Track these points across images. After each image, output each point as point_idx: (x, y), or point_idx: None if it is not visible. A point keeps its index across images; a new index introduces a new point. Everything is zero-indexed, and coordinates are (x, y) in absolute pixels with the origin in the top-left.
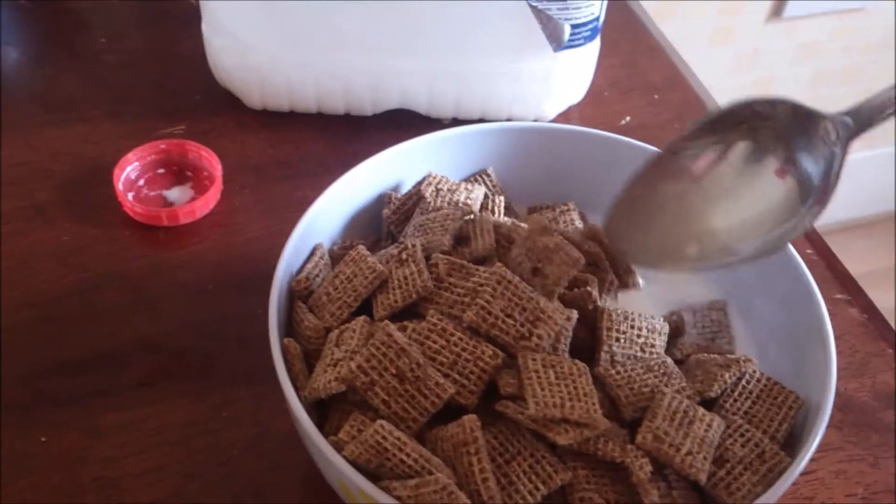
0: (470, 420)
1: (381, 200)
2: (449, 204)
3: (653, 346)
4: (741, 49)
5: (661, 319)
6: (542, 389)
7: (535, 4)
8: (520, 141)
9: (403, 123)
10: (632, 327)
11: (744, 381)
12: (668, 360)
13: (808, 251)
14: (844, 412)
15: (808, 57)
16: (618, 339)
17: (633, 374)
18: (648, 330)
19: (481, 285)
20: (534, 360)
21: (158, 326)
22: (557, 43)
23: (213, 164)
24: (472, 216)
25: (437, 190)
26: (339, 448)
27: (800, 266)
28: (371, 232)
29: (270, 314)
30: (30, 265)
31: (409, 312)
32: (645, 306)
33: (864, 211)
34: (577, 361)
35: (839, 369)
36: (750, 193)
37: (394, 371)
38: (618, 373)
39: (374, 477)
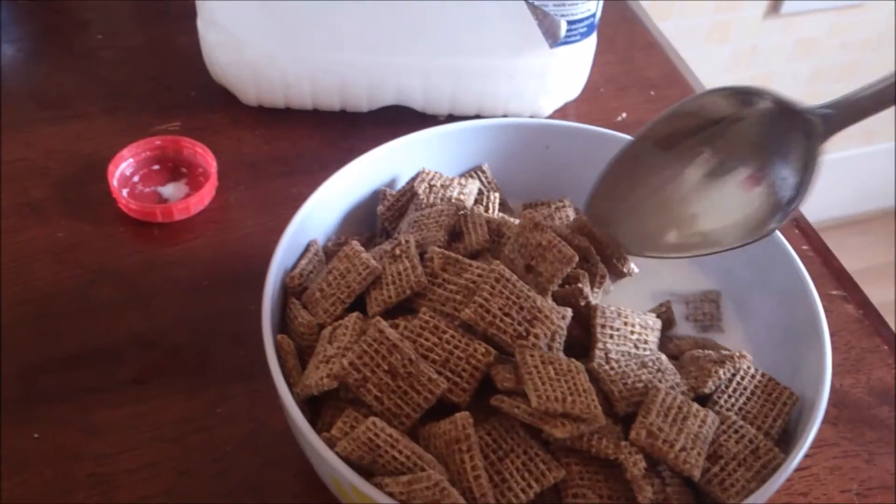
0: (462, 417)
1: (376, 197)
2: (442, 200)
3: (646, 341)
4: (738, 45)
5: (654, 315)
6: (543, 384)
7: (531, 1)
8: (516, 137)
9: (399, 120)
10: (625, 324)
11: (738, 377)
12: (663, 356)
13: (804, 247)
14: (839, 408)
15: (805, 53)
16: (611, 336)
17: (627, 370)
18: (641, 326)
19: (474, 282)
20: (532, 356)
21: (153, 323)
22: (554, 39)
23: (208, 160)
24: (464, 211)
25: (430, 186)
26: (331, 444)
27: (795, 262)
28: (366, 228)
29: (264, 311)
30: (25, 262)
31: (403, 308)
32: (638, 298)
33: (861, 207)
34: (572, 360)
35: (834, 365)
36: (722, 193)
37: (386, 367)
38: (612, 368)
39: (366, 473)
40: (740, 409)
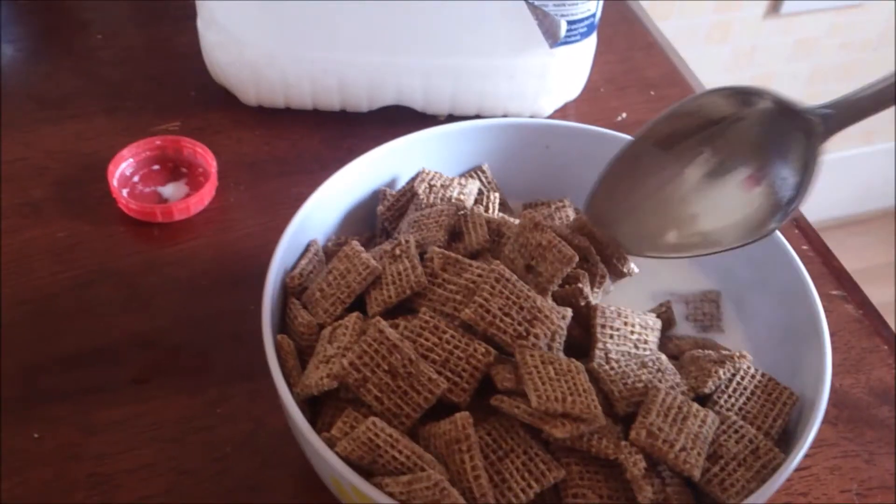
0: (462, 417)
1: (376, 197)
2: (442, 200)
3: (646, 341)
4: (738, 45)
5: (654, 315)
6: (544, 384)
7: (531, 1)
8: (516, 137)
9: (399, 120)
10: (625, 324)
11: (738, 377)
12: (662, 356)
13: (804, 247)
14: (839, 408)
15: (805, 53)
16: (611, 336)
17: (627, 370)
18: (641, 326)
19: (474, 282)
20: (532, 356)
21: (153, 323)
22: (554, 39)
23: (208, 160)
24: (464, 211)
25: (431, 186)
26: (331, 444)
27: (795, 262)
28: (366, 228)
29: (264, 311)
30: (24, 262)
31: (403, 308)
32: (638, 298)
33: (861, 207)
34: (573, 360)
35: (834, 365)
36: (722, 193)
37: (386, 367)
38: (612, 368)
39: (366, 473)
40: (740, 409)
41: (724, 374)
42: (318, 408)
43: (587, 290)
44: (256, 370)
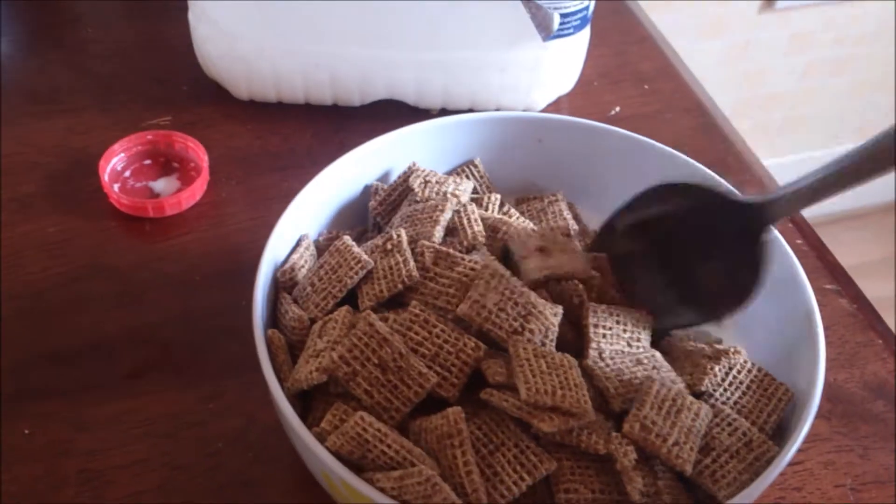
0: (455, 412)
1: (368, 191)
2: (437, 194)
3: (639, 339)
4: (733, 39)
5: (645, 312)
6: (534, 377)
7: None
8: (508, 131)
9: (391, 114)
10: (617, 322)
11: (734, 371)
12: (657, 353)
13: (799, 241)
14: (833, 403)
15: (800, 47)
16: (604, 336)
17: (622, 367)
18: (633, 324)
19: (467, 275)
20: (525, 349)
21: (144, 318)
22: (546, 32)
23: (200, 155)
24: (459, 207)
25: (426, 182)
26: (321, 439)
27: (790, 256)
28: (357, 223)
29: (255, 305)
30: (16, 257)
31: (395, 303)
32: None
33: (856, 202)
34: (566, 355)
35: (828, 360)
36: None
37: (376, 361)
38: (606, 365)
39: (357, 468)
40: (735, 403)
41: (720, 370)
42: (309, 403)
43: (581, 286)
44: (249, 365)
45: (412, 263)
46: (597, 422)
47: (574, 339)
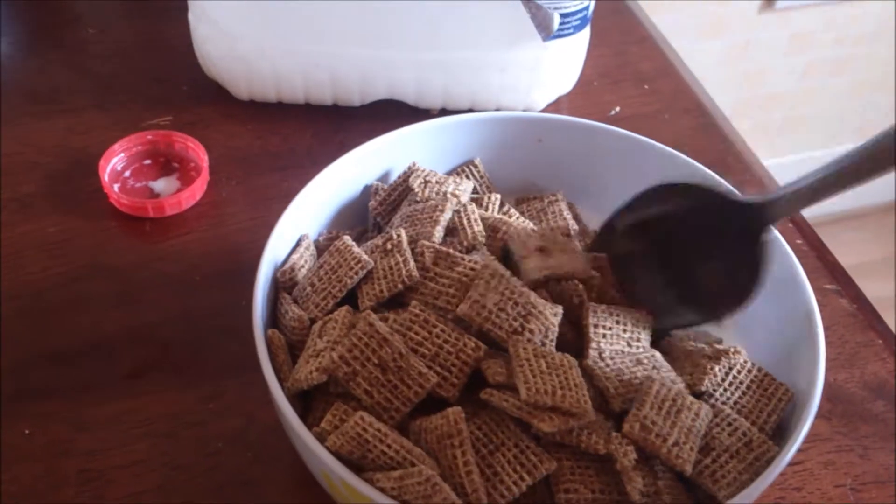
0: (455, 412)
1: (368, 191)
2: (437, 194)
3: (639, 339)
4: (733, 39)
5: (645, 312)
6: (534, 377)
7: None
8: (508, 131)
9: (391, 114)
10: (617, 323)
11: (735, 371)
12: (657, 353)
13: (798, 241)
14: (833, 403)
15: (800, 47)
16: (604, 336)
17: (622, 367)
18: (633, 324)
19: (467, 275)
20: (525, 348)
21: (144, 318)
22: (547, 32)
23: (200, 155)
24: (459, 207)
25: (426, 182)
26: (321, 439)
27: (789, 256)
28: (357, 223)
29: (255, 305)
30: (16, 257)
31: (395, 303)
32: None
33: (856, 202)
34: (566, 355)
35: (828, 360)
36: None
37: (376, 361)
38: (606, 365)
39: (357, 468)
40: (735, 402)
41: (720, 371)
42: (309, 403)
43: (582, 286)
44: (248, 365)
45: (412, 263)
46: (597, 422)
47: (574, 339)
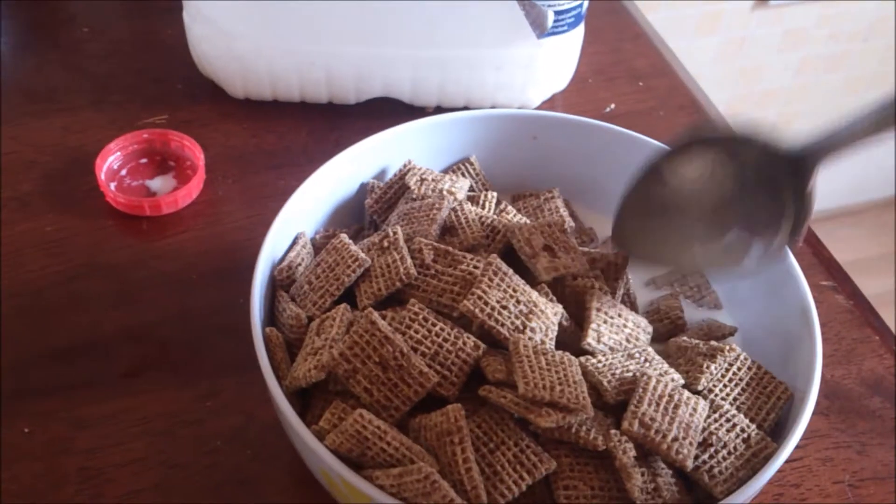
0: (455, 409)
1: (364, 189)
2: (433, 192)
3: (637, 339)
4: (727, 36)
5: (646, 321)
6: (533, 372)
7: None
8: (504, 128)
9: (387, 112)
10: (619, 315)
11: (734, 368)
12: (650, 348)
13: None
14: (831, 399)
15: (794, 44)
16: (605, 322)
17: (615, 362)
18: (634, 324)
19: (471, 273)
20: (525, 345)
21: (142, 317)
22: (541, 29)
23: (196, 153)
24: (456, 205)
25: (422, 180)
26: (320, 437)
27: (786, 252)
28: (354, 221)
29: (252, 303)
30: (13, 256)
31: (394, 300)
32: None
33: (852, 199)
34: (566, 353)
35: (825, 356)
36: (720, 226)
37: (377, 359)
38: (599, 361)
39: (356, 466)
40: (734, 399)
41: (716, 369)
42: (307, 401)
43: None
44: (246, 363)
45: (409, 261)
46: (595, 418)
47: (575, 340)
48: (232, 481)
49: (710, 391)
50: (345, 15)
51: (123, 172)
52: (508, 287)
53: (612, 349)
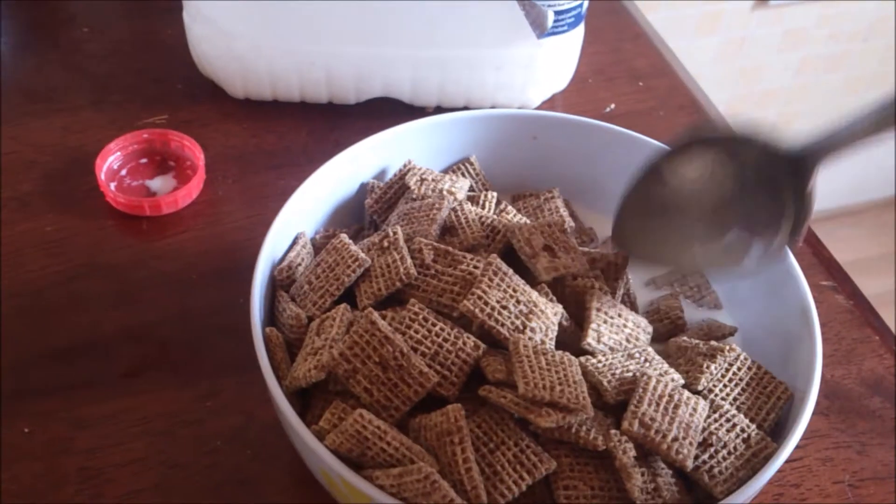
0: (455, 409)
1: (364, 189)
2: (433, 192)
3: (637, 339)
4: (727, 36)
5: (646, 321)
6: (533, 372)
7: None
8: (504, 128)
9: (387, 112)
10: (619, 315)
11: (735, 368)
12: (650, 348)
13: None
14: (831, 399)
15: (794, 44)
16: (605, 322)
17: (615, 362)
18: (634, 324)
19: (472, 273)
20: (525, 345)
21: (142, 317)
22: (541, 29)
23: (196, 153)
24: (456, 205)
25: (422, 180)
26: (320, 437)
27: (785, 252)
28: (354, 221)
29: (252, 303)
30: (13, 256)
31: (392, 300)
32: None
33: (852, 199)
34: (566, 353)
35: (825, 356)
36: (720, 226)
37: (377, 359)
38: (599, 361)
39: (356, 466)
40: (734, 399)
41: (716, 369)
42: (307, 401)
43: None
44: (246, 363)
45: (409, 261)
46: (595, 418)
47: (575, 340)
48: (232, 481)
49: (710, 391)
50: (345, 15)
51: (123, 172)
52: (508, 287)
53: (612, 349)
